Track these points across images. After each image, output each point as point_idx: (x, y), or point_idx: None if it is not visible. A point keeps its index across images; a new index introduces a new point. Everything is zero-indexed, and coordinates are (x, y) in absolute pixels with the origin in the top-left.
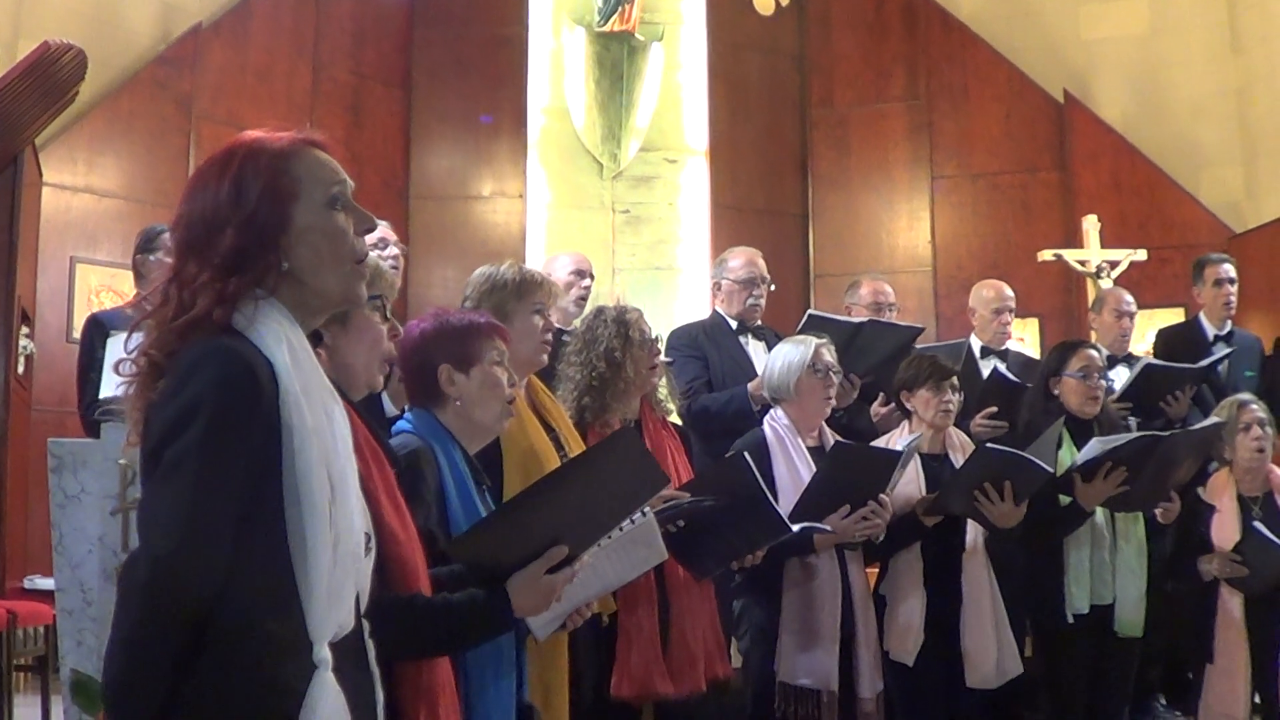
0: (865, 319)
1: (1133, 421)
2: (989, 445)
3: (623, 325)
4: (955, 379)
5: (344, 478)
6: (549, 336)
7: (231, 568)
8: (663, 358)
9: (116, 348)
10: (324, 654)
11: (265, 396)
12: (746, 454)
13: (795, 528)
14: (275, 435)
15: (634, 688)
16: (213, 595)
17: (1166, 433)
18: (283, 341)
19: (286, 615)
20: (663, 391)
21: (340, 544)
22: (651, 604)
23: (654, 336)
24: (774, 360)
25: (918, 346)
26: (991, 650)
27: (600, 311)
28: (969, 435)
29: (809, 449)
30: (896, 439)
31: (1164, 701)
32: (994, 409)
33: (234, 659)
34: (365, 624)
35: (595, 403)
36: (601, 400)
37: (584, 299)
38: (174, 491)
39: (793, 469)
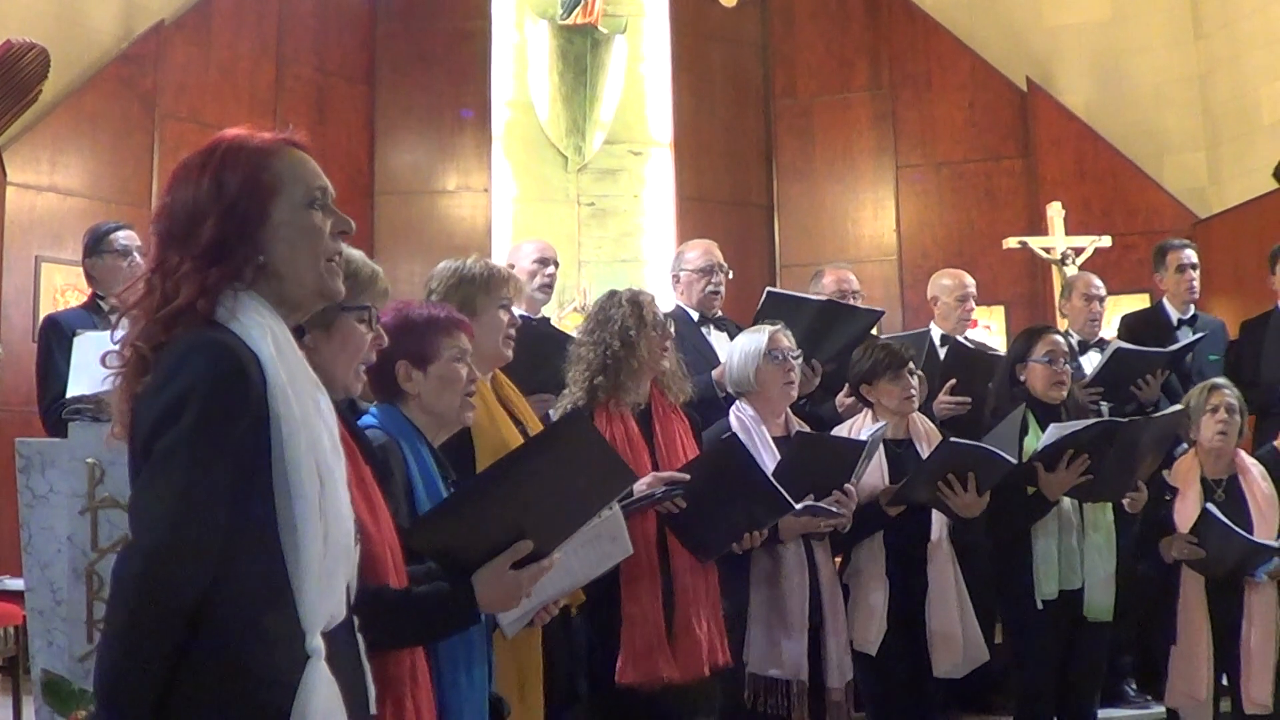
0: (824, 298)
1: (1104, 407)
2: (952, 440)
3: (637, 306)
4: (912, 364)
5: (331, 468)
6: (513, 331)
7: (223, 559)
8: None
9: (84, 346)
10: (316, 644)
11: (253, 388)
12: (739, 434)
13: (799, 505)
14: (264, 426)
15: (639, 674)
16: (205, 587)
17: (1125, 419)
18: (267, 333)
19: (279, 606)
20: (672, 375)
21: (330, 533)
22: (655, 588)
23: (666, 319)
24: (732, 353)
25: (882, 336)
26: (958, 639)
27: (613, 294)
28: (933, 417)
29: (775, 439)
30: (860, 427)
31: (1134, 687)
32: (953, 381)
33: (227, 650)
34: (355, 616)
35: (609, 382)
36: (615, 380)
37: (548, 286)
38: (165, 485)
39: (759, 459)
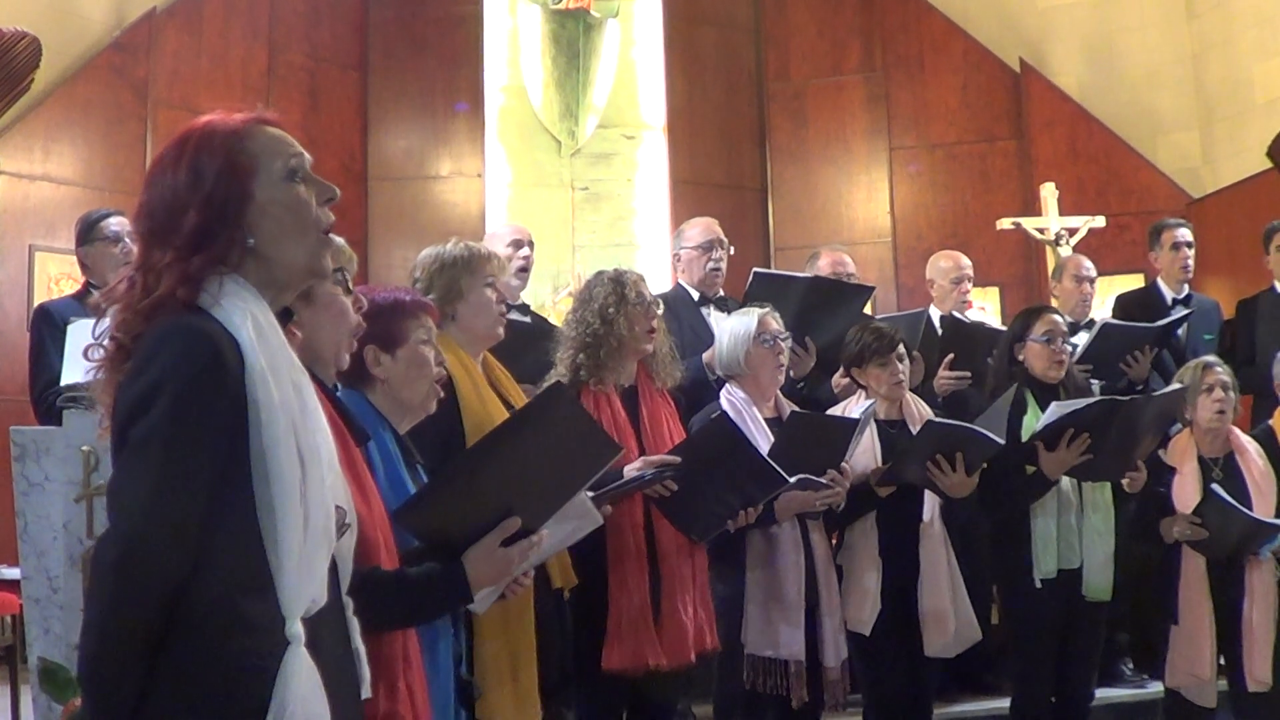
0: (811, 275)
1: (1095, 385)
2: (938, 420)
3: (619, 284)
4: (901, 347)
5: (315, 452)
6: (504, 309)
7: (202, 545)
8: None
9: (77, 334)
10: (296, 629)
11: (230, 372)
12: (728, 412)
13: (792, 479)
14: (242, 411)
15: (625, 659)
16: (184, 573)
17: (1127, 397)
18: (248, 317)
19: (258, 591)
20: (661, 360)
21: (311, 518)
22: (642, 574)
23: (652, 300)
24: (721, 337)
25: (880, 317)
26: (949, 619)
27: (599, 273)
28: (935, 392)
29: (766, 420)
30: (852, 407)
31: (1130, 666)
32: (952, 356)
33: (207, 636)
34: (348, 601)
35: (590, 361)
36: (596, 358)
37: (524, 270)
38: (141, 470)
39: (752, 439)
